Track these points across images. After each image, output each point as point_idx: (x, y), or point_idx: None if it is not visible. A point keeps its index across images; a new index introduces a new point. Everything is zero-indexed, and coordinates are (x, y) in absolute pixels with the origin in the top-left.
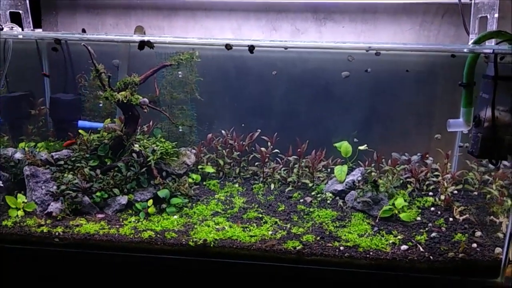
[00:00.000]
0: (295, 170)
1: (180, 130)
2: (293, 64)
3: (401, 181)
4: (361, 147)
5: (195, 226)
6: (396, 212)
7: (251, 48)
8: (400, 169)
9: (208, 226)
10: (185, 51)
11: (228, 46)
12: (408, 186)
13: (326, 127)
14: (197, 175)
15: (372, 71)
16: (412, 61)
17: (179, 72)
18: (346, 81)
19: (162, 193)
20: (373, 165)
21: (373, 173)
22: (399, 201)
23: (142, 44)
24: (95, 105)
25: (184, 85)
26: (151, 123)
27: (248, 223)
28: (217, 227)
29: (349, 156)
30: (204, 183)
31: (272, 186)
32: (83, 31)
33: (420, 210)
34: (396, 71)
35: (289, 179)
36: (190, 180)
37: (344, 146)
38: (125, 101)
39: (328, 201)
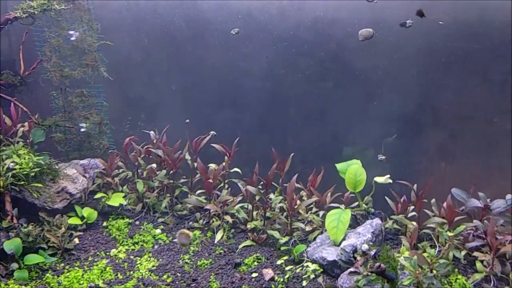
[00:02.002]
0: (257, 211)
1: (83, 130)
2: (278, 16)
3: (463, 255)
4: (379, 179)
5: None
6: None
7: None
8: (463, 229)
9: None
10: None
11: None
12: (478, 266)
13: (332, 129)
14: (91, 210)
15: (416, 23)
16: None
17: (71, 33)
18: (368, 46)
19: (9, 245)
20: (410, 210)
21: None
22: None
23: None
24: None
25: (81, 55)
26: (36, 116)
27: None
28: None
29: (359, 191)
30: (105, 223)
31: (219, 235)
32: None
33: None
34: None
35: (248, 225)
36: (74, 220)
37: (352, 171)
38: None
39: (305, 282)
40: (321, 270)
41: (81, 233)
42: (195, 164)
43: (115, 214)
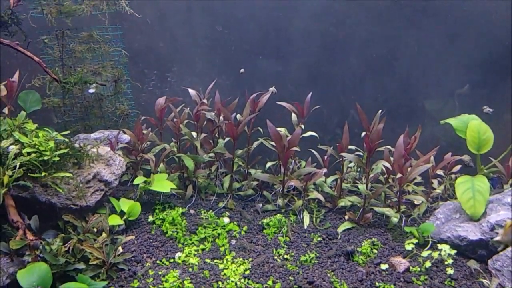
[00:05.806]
0: (362, 184)
1: (92, 91)
2: None
3: None
4: None
5: None
6: None
7: None
8: None
9: None
10: None
11: None
12: None
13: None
14: (131, 201)
15: None
16: None
17: None
18: None
19: (29, 277)
20: None
21: None
22: None
23: None
24: None
25: None
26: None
27: None
28: None
29: (484, 152)
30: (151, 218)
31: (306, 218)
32: None
33: None
34: None
35: (341, 202)
36: (114, 220)
37: (474, 128)
38: None
39: (450, 270)
40: (454, 252)
41: (117, 236)
42: (259, 129)
43: (160, 203)
